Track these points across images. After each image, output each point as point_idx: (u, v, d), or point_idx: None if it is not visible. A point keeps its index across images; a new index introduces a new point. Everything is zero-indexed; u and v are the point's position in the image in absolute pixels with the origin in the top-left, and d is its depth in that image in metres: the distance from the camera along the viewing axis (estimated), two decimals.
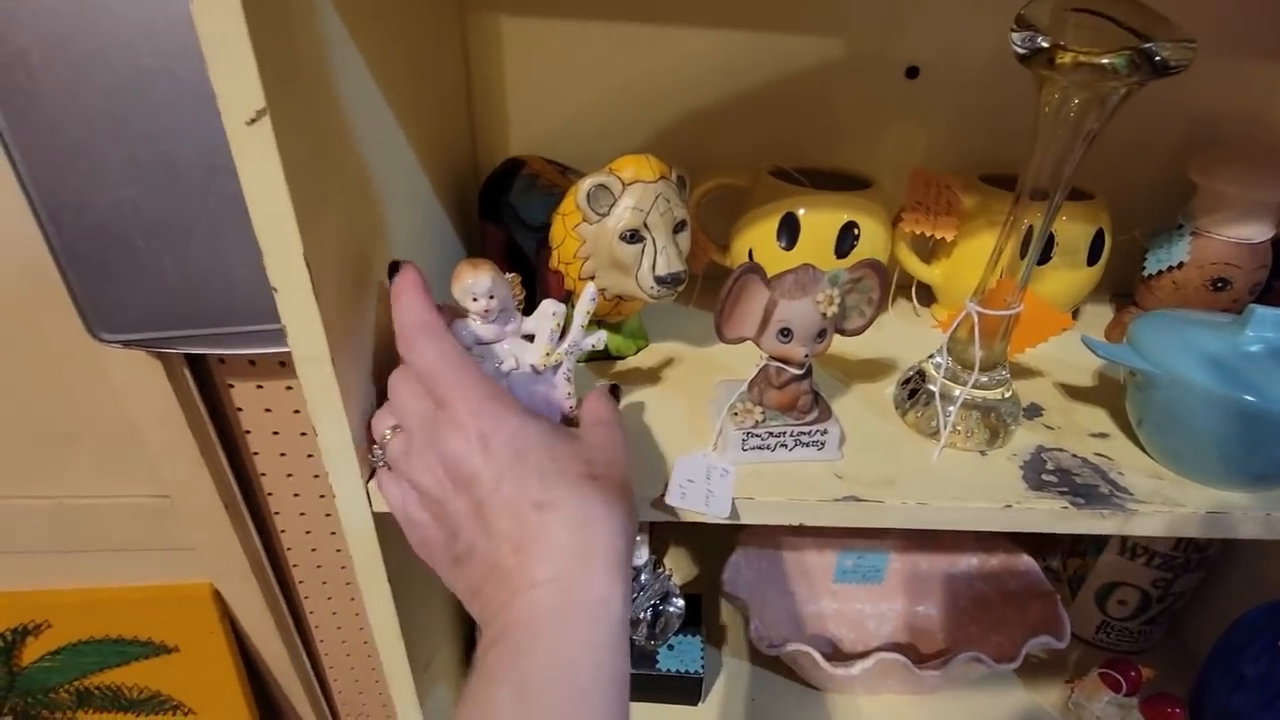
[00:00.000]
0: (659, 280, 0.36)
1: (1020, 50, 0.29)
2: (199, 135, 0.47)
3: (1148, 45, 0.27)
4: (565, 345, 0.32)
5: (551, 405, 0.33)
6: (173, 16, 0.44)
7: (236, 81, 0.22)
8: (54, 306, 0.54)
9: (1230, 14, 0.48)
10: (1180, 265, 0.46)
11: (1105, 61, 0.28)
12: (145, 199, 0.49)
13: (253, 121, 0.23)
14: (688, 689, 0.56)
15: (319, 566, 0.78)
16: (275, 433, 0.68)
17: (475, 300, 0.30)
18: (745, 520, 0.34)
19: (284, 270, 0.26)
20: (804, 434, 0.35)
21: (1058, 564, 0.66)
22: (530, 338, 0.32)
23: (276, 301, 0.26)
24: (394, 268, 0.30)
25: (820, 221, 0.44)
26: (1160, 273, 0.47)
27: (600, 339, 0.34)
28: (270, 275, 0.26)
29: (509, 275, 0.32)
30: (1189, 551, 0.57)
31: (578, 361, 0.36)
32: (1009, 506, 0.34)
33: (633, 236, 0.36)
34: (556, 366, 0.33)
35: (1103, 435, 0.41)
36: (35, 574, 0.72)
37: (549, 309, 0.32)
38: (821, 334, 0.33)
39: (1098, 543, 0.61)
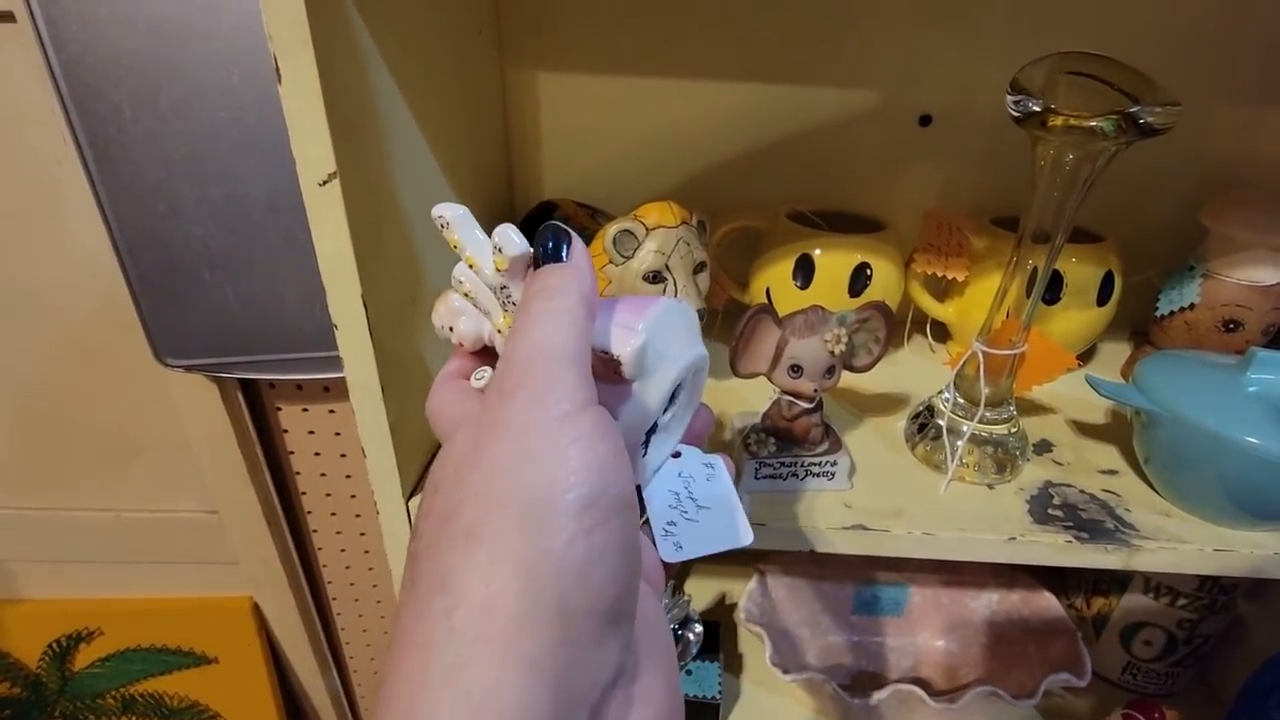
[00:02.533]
0: None
1: (1014, 113, 0.32)
2: (263, 178, 0.52)
3: (1133, 109, 0.29)
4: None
5: None
6: (247, 74, 0.49)
7: (313, 150, 0.26)
8: (125, 332, 0.60)
9: (1243, 60, 0.49)
10: (1192, 306, 0.47)
11: (1094, 124, 0.30)
12: (213, 236, 0.54)
13: (324, 183, 0.26)
14: (705, 714, 0.57)
15: (352, 584, 0.81)
16: (317, 454, 0.72)
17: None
18: (757, 545, 0.36)
19: (344, 309, 0.29)
20: (815, 464, 0.37)
21: (1081, 602, 0.66)
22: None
23: (337, 336, 0.30)
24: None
25: (834, 262, 0.46)
26: (1173, 313, 0.48)
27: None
28: (332, 313, 0.29)
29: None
30: (1214, 592, 0.56)
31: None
32: (1013, 539, 0.36)
33: (655, 277, 0.39)
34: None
35: (1111, 472, 0.42)
36: (92, 583, 0.77)
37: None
38: (830, 370, 0.35)
39: (1121, 581, 0.61)
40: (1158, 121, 0.29)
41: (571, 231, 0.20)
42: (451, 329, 0.23)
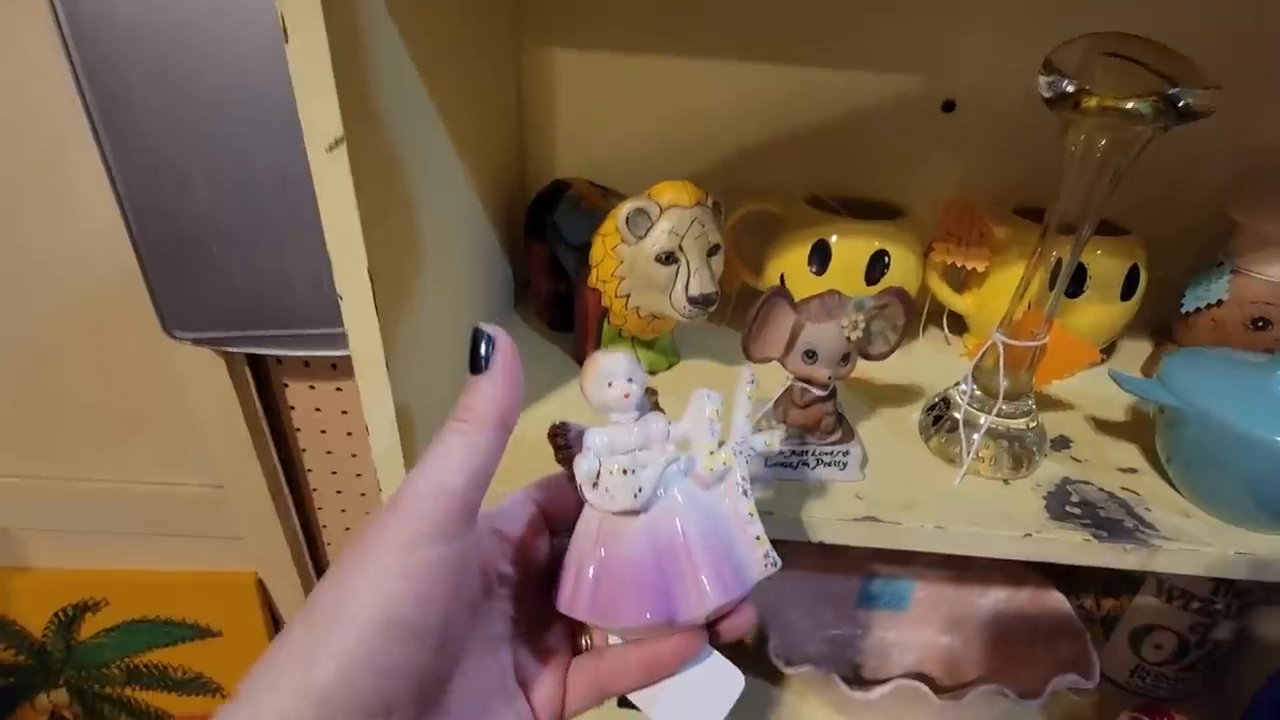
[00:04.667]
0: (691, 300, 0.38)
1: (1046, 94, 0.30)
2: (272, 153, 0.52)
3: (1173, 91, 0.28)
4: (730, 444, 0.25)
5: (729, 536, 0.24)
6: (257, 46, 0.48)
7: (320, 114, 0.25)
8: (132, 304, 0.59)
9: (1278, 50, 0.48)
10: (1219, 303, 0.46)
11: (1130, 106, 0.29)
12: (221, 209, 0.53)
13: (331, 149, 0.26)
14: None
15: None
16: (323, 431, 0.71)
17: (611, 385, 0.23)
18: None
19: (350, 281, 0.28)
20: (826, 453, 0.37)
21: (1090, 603, 0.65)
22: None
23: (342, 309, 0.29)
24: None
25: (851, 249, 0.45)
26: (1198, 310, 0.47)
27: (776, 437, 0.26)
28: (337, 284, 0.29)
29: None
30: (1228, 597, 0.55)
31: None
32: (1029, 535, 0.35)
33: (668, 258, 0.38)
34: (723, 476, 0.24)
35: (1131, 470, 0.40)
36: (98, 554, 0.78)
37: (700, 396, 0.24)
38: (845, 357, 0.34)
39: (1132, 583, 0.60)
40: (1198, 104, 0.28)
41: (495, 334, 0.21)
42: (631, 380, 0.23)
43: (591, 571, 0.23)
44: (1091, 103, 0.29)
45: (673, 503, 0.24)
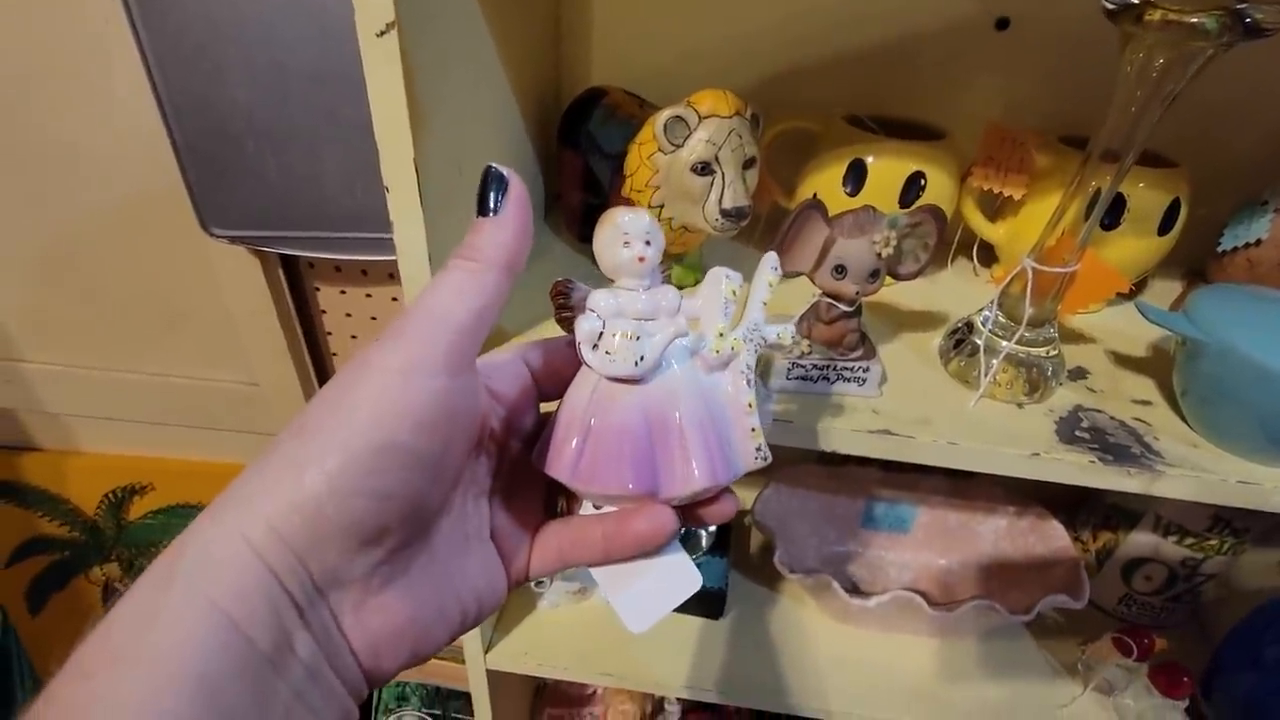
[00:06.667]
0: (724, 213, 0.38)
1: (1109, 6, 0.29)
2: (308, 47, 0.51)
3: (1240, 6, 0.27)
4: (742, 329, 0.24)
5: (724, 423, 0.24)
6: None
7: None
8: (171, 198, 0.60)
9: None
10: (1258, 243, 0.45)
11: (1195, 20, 0.28)
12: (256, 103, 0.53)
13: (382, 33, 0.26)
14: (712, 602, 0.60)
15: None
16: (354, 336, 0.73)
17: (627, 245, 0.22)
18: (782, 442, 0.37)
19: (397, 172, 0.29)
20: (846, 369, 0.38)
21: (1087, 536, 0.67)
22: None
23: (388, 200, 0.30)
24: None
25: (887, 169, 0.45)
26: (1236, 249, 0.47)
27: (789, 331, 0.25)
28: (385, 175, 0.29)
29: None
30: (1224, 534, 0.57)
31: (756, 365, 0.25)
32: (1036, 455, 0.36)
33: (703, 168, 0.38)
34: (729, 360, 0.24)
35: (1145, 403, 0.41)
36: (143, 442, 0.82)
37: (718, 274, 0.23)
38: (874, 274, 0.35)
39: (1131, 518, 0.62)
40: (1265, 20, 0.27)
41: (509, 177, 0.20)
42: (649, 244, 0.22)
43: (580, 435, 0.22)
44: (1155, 15, 0.28)
45: (673, 378, 0.23)
